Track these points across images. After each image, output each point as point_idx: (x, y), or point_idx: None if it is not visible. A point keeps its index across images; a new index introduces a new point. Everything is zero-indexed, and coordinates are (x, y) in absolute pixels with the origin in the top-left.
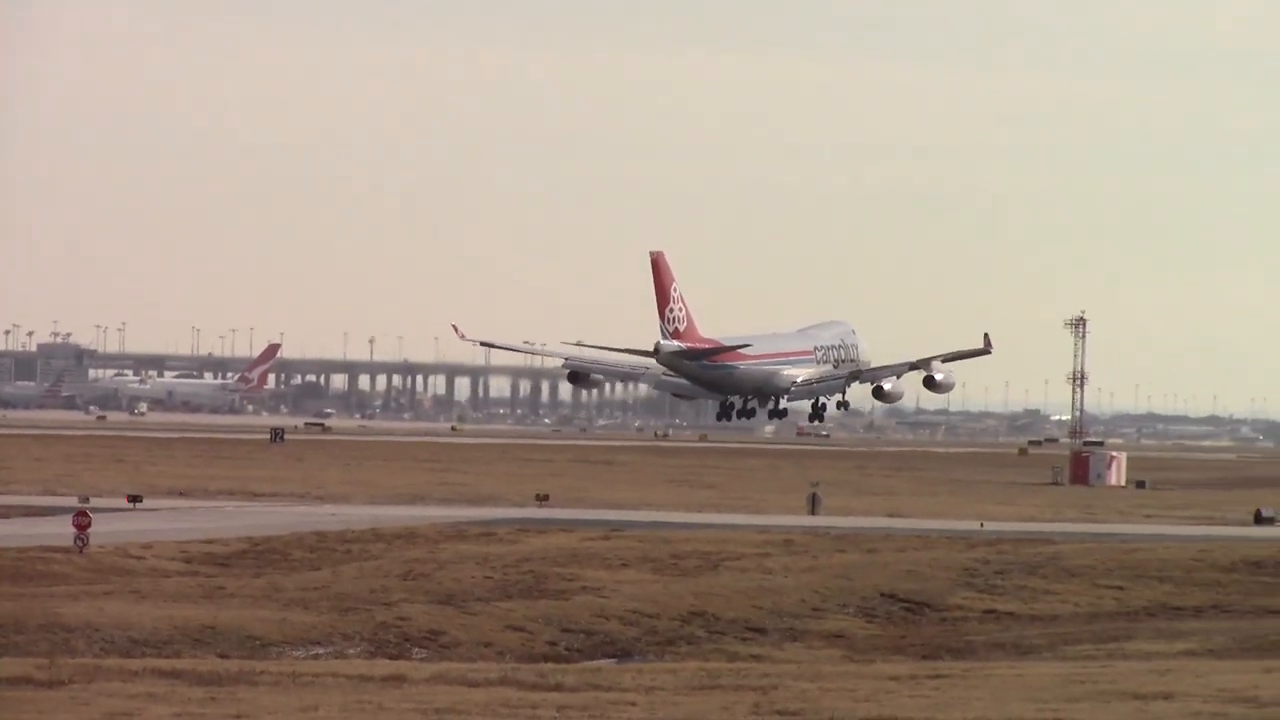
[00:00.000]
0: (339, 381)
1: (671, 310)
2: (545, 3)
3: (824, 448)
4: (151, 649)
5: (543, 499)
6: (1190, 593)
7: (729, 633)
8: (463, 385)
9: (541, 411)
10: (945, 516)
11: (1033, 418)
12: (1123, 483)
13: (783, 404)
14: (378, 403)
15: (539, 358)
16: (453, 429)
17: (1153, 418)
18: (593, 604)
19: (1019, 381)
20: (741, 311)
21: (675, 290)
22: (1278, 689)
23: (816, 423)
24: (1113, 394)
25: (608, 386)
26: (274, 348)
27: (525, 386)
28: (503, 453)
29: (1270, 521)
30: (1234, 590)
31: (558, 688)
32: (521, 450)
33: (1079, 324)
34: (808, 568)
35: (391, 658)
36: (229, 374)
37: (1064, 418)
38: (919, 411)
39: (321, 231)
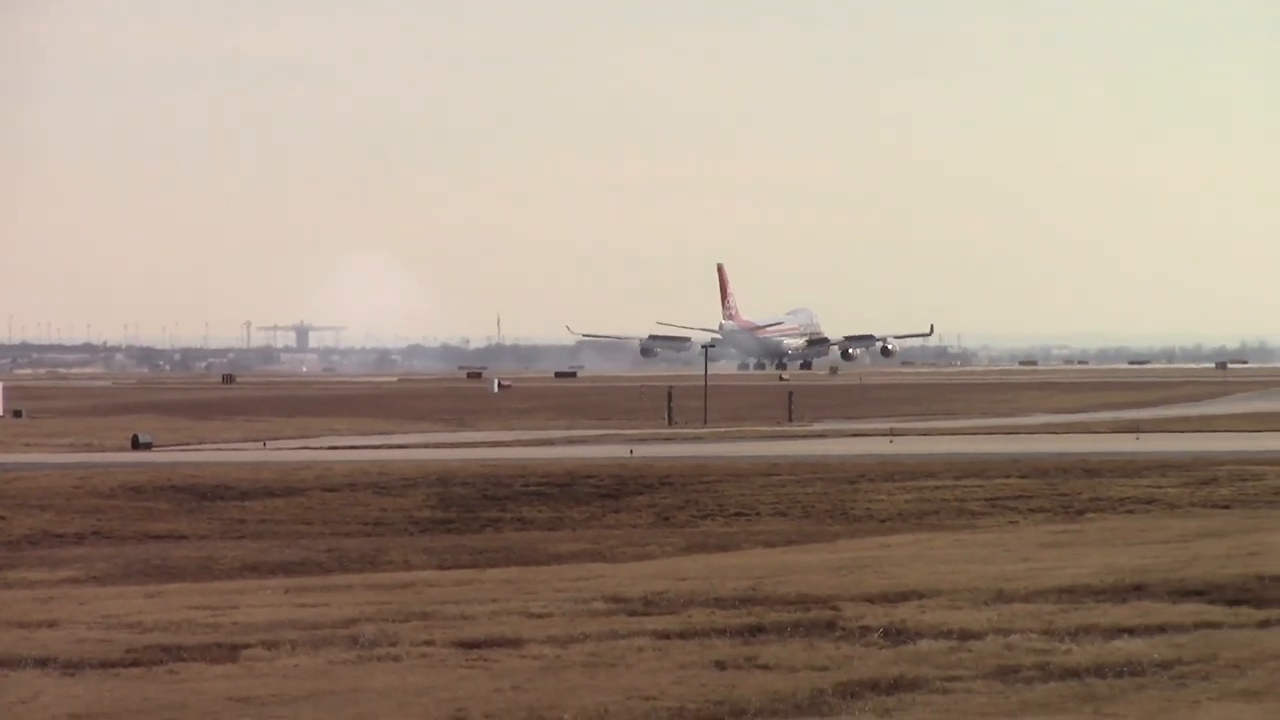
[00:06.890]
0: None
1: (728, 302)
2: None
3: None
4: None
5: None
6: (72, 520)
7: None
8: None
9: None
10: None
11: None
12: (0, 413)
13: (784, 362)
14: None
15: None
16: None
17: (27, 347)
18: None
19: None
20: None
21: (729, 289)
22: (160, 613)
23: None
24: None
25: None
26: None
27: None
28: None
29: (147, 446)
30: (114, 516)
31: None
32: None
33: None
34: None
35: None
36: None
37: None
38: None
39: None
